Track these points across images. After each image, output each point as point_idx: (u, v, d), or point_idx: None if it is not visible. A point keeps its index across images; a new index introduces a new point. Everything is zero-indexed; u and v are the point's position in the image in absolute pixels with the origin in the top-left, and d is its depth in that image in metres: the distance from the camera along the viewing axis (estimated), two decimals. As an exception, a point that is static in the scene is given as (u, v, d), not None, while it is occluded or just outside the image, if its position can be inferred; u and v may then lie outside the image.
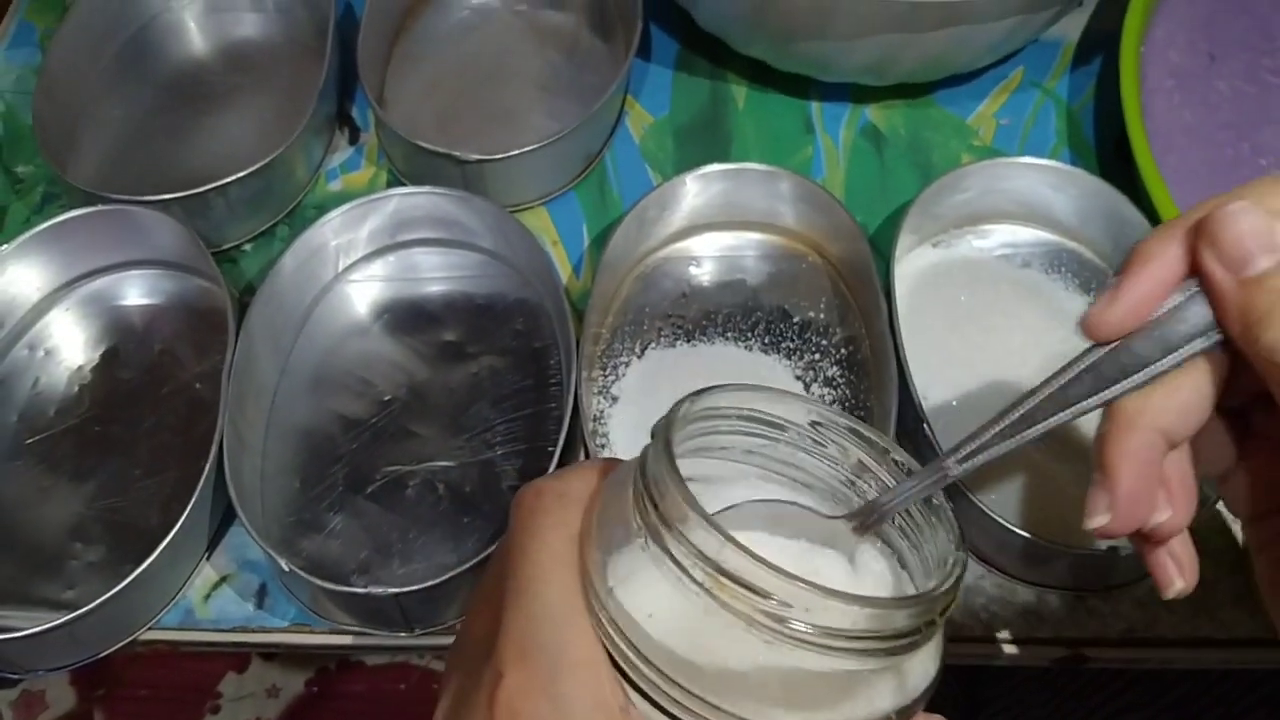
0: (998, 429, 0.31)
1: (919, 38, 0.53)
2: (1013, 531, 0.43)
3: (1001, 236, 0.55)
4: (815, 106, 0.60)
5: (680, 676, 0.26)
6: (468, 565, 0.42)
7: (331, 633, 0.46)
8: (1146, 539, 0.31)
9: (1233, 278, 0.28)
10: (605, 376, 0.51)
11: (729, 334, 0.52)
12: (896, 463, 0.32)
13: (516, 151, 0.53)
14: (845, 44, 0.54)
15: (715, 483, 0.32)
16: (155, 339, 0.52)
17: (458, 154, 0.53)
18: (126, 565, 0.44)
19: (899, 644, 0.27)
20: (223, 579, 0.47)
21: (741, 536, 0.27)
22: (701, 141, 0.59)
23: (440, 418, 0.50)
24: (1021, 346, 0.51)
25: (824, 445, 0.32)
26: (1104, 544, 0.43)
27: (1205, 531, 0.46)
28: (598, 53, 0.62)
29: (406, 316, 0.53)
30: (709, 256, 0.54)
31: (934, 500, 0.31)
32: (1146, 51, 0.56)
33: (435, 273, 0.54)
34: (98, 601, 0.42)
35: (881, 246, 0.53)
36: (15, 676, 0.46)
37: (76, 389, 0.51)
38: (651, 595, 0.27)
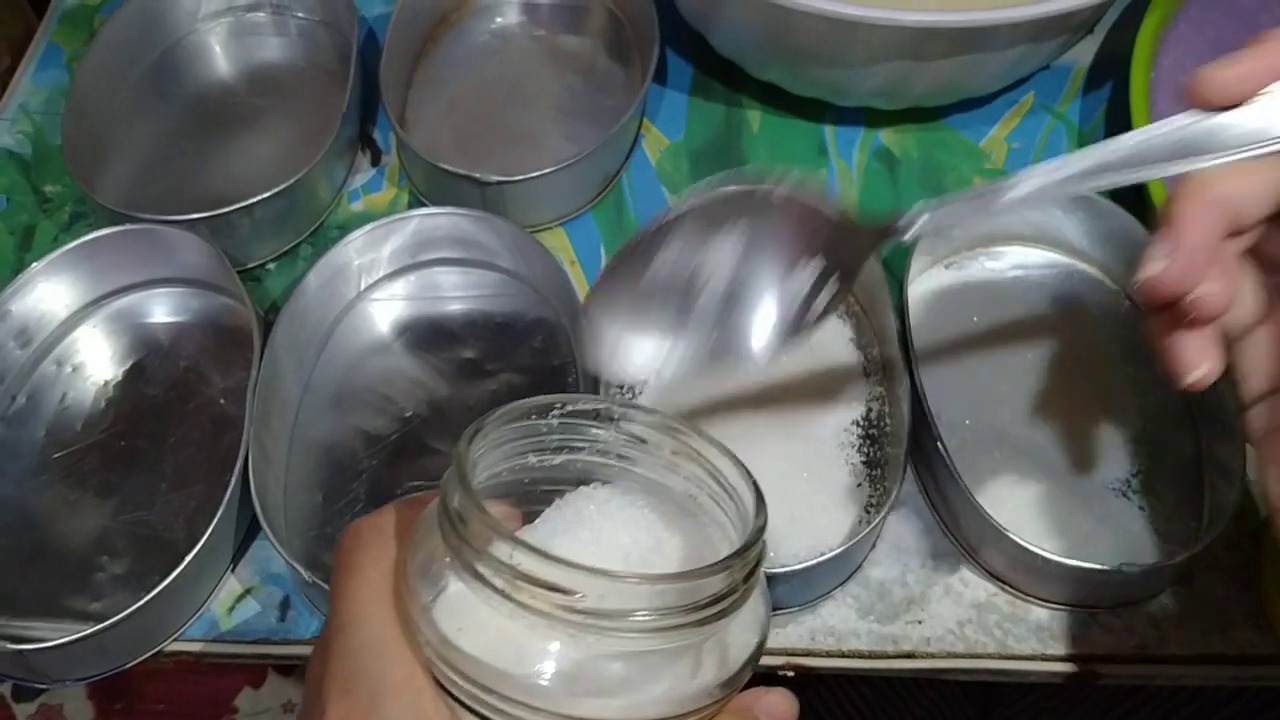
0: (1068, 167, 0.32)
1: (931, 63, 0.54)
2: (1026, 549, 0.44)
3: (1013, 258, 0.55)
4: (829, 130, 0.61)
5: (498, 685, 0.27)
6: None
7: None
8: (1183, 318, 0.31)
9: None
10: (622, 394, 0.51)
11: (744, 353, 0.52)
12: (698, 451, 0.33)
13: (536, 173, 0.54)
14: (859, 69, 0.55)
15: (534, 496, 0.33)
16: (180, 355, 0.53)
17: (478, 175, 0.54)
18: (152, 577, 0.45)
19: (701, 616, 0.28)
20: (246, 591, 0.48)
21: (566, 534, 0.30)
22: (717, 164, 0.60)
23: (460, 434, 0.51)
24: (1034, 366, 0.51)
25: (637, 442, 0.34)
26: (1119, 565, 0.43)
27: (1217, 549, 0.46)
28: (615, 77, 0.63)
29: (427, 334, 0.54)
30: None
31: (739, 467, 0.32)
32: (1156, 78, 0.57)
33: (455, 292, 0.55)
34: (126, 613, 0.43)
35: (894, 268, 0.53)
36: (42, 686, 0.47)
37: (103, 404, 0.52)
38: (461, 611, 0.28)
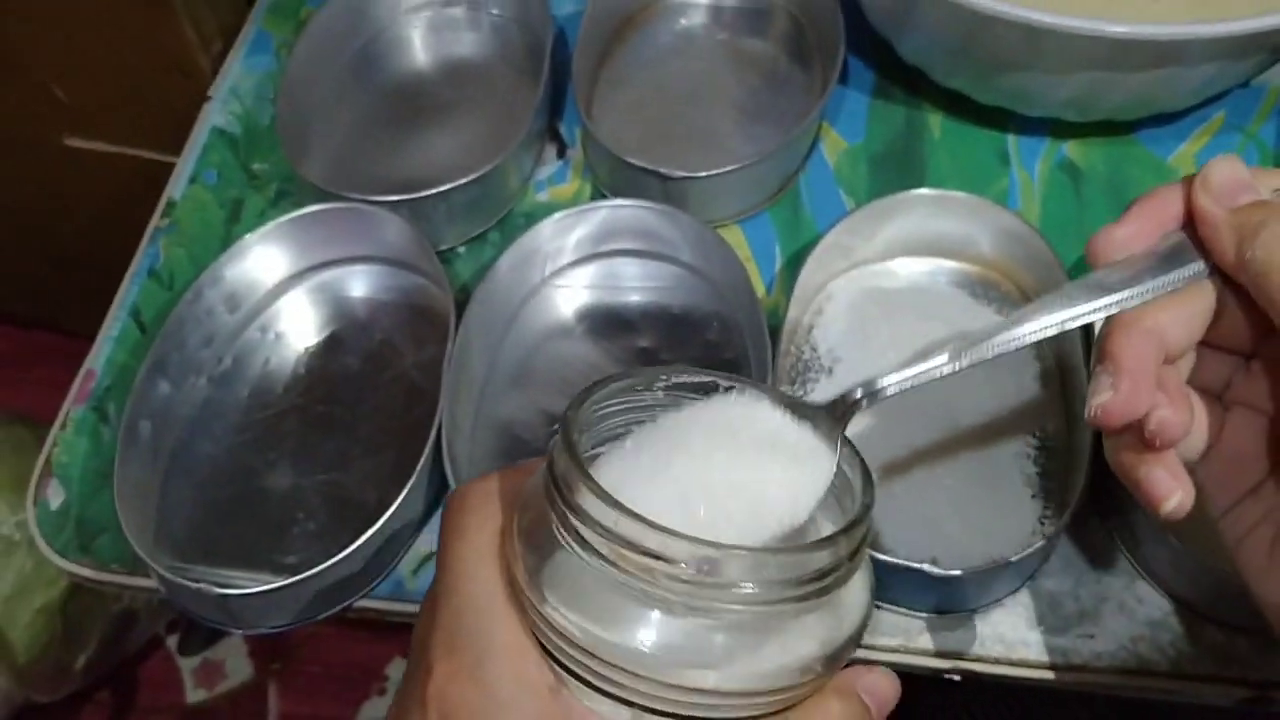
0: (1001, 327, 0.35)
1: (1126, 75, 0.53)
2: (1207, 568, 0.43)
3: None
4: (1012, 139, 0.61)
5: (600, 651, 0.28)
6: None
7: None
8: (1148, 447, 0.33)
9: (1224, 208, 0.33)
10: (795, 391, 0.52)
11: (920, 357, 0.53)
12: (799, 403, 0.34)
13: (718, 170, 0.56)
14: (1052, 79, 0.55)
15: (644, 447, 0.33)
16: (376, 329, 0.56)
17: (662, 170, 0.56)
18: (343, 536, 0.47)
19: (805, 591, 0.28)
20: (431, 555, 0.50)
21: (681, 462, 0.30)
22: (895, 169, 0.61)
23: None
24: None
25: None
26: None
27: None
28: (795, 80, 0.64)
29: (606, 322, 0.56)
30: (902, 283, 0.55)
31: (853, 447, 0.33)
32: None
33: (635, 282, 0.57)
34: (324, 565, 0.45)
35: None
36: (237, 631, 0.50)
37: (303, 370, 0.55)
38: (566, 576, 0.28)
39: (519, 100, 0.63)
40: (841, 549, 0.29)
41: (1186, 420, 0.33)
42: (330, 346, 0.56)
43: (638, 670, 0.28)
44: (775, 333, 0.51)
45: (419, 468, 0.47)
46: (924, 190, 0.54)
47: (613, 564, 0.27)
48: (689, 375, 0.34)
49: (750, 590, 0.27)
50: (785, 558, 0.28)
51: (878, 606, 0.47)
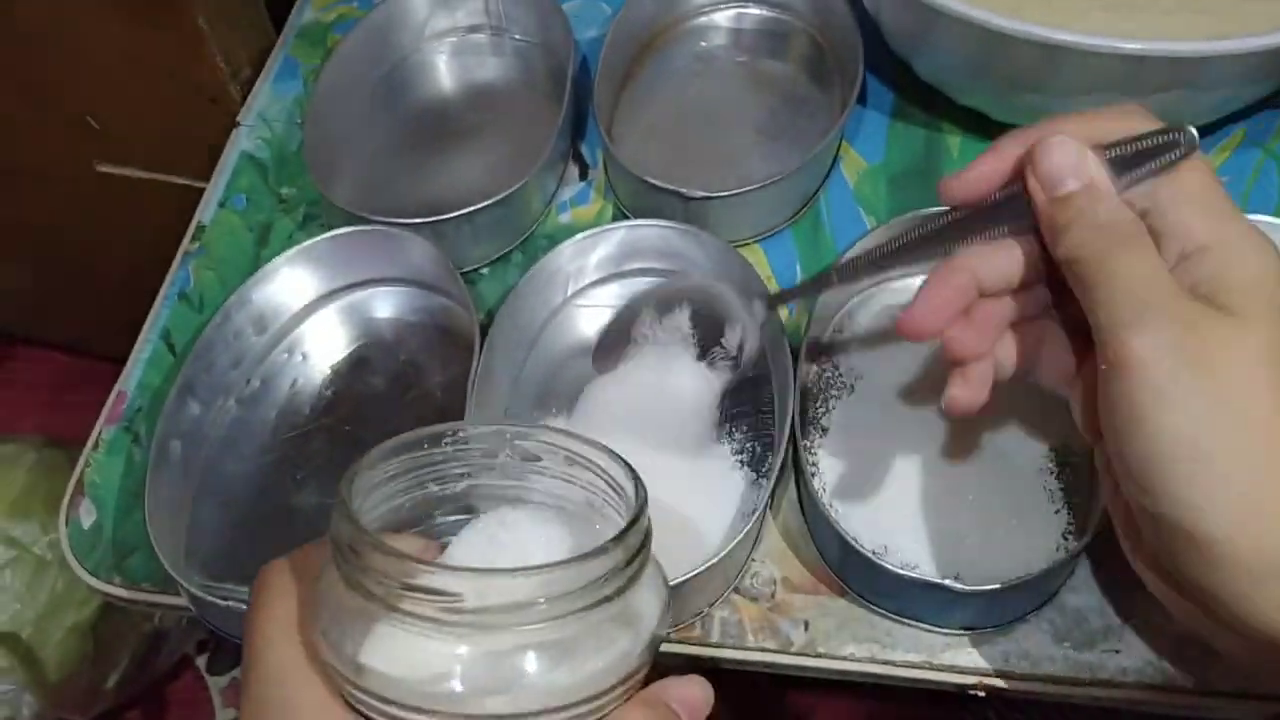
0: (868, 258, 0.42)
1: (1144, 92, 0.54)
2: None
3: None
4: (1030, 158, 0.61)
5: (402, 696, 0.29)
6: (701, 569, 0.44)
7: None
8: (951, 355, 0.39)
9: (1045, 195, 0.36)
10: (815, 409, 0.52)
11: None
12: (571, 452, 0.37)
13: (739, 190, 0.56)
14: (1070, 96, 0.55)
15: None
16: (401, 350, 0.57)
17: (683, 190, 0.56)
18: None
19: (598, 595, 0.29)
20: (455, 573, 0.51)
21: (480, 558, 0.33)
22: (915, 187, 0.61)
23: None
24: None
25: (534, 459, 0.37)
26: None
27: None
28: (815, 100, 0.64)
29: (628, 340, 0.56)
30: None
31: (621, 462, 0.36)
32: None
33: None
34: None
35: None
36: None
37: (329, 392, 0.56)
38: (361, 630, 0.30)
39: (541, 123, 0.64)
40: (619, 552, 0.30)
41: (974, 343, 0.39)
42: (356, 367, 0.57)
43: (439, 708, 0.29)
44: (797, 351, 0.51)
45: (444, 486, 0.48)
46: (942, 209, 0.54)
47: (395, 608, 0.29)
48: (475, 428, 0.36)
49: (538, 607, 0.29)
50: (567, 569, 0.29)
51: (902, 623, 0.47)
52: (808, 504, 0.50)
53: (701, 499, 0.50)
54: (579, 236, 0.55)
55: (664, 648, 0.48)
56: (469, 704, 0.29)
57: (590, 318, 0.57)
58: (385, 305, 0.58)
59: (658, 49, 0.68)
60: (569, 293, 0.57)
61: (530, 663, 0.29)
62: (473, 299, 0.54)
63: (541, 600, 0.29)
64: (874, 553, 0.45)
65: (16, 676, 0.73)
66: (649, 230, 0.56)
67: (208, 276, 0.60)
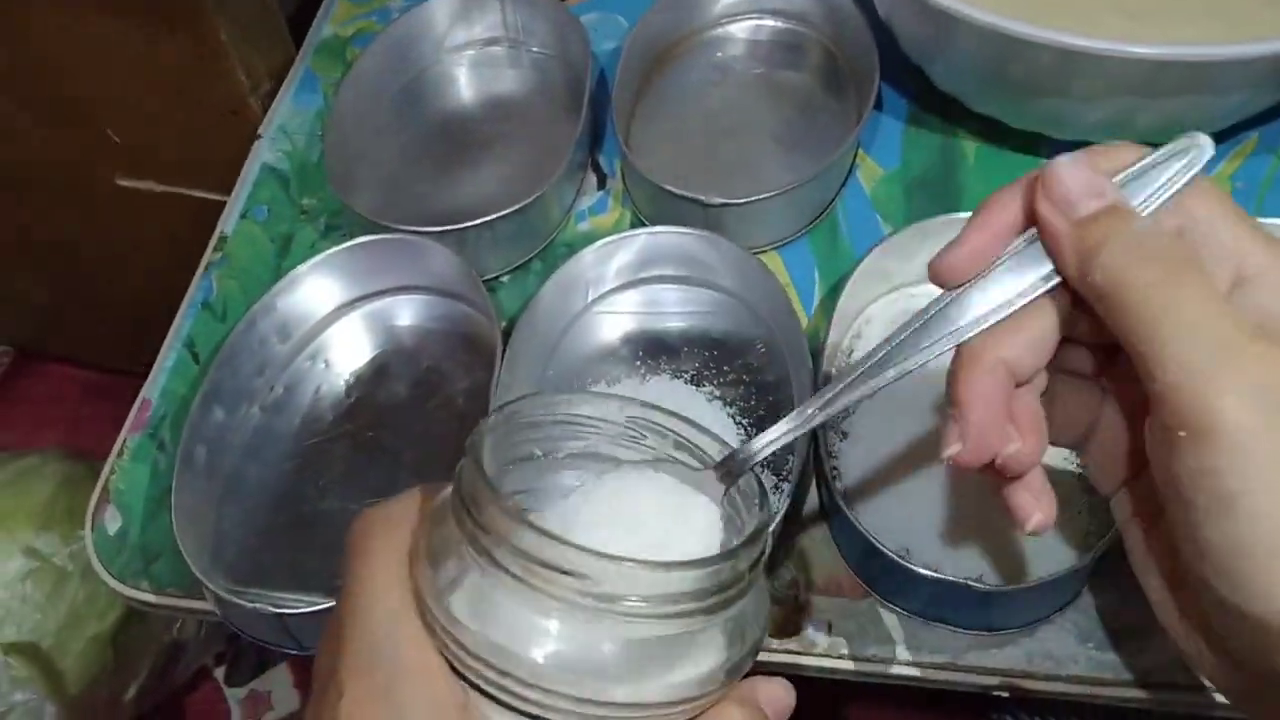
0: (856, 375, 0.35)
1: (1159, 98, 0.54)
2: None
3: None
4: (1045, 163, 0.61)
5: (510, 667, 0.28)
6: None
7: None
8: (1002, 475, 0.34)
9: (1066, 220, 0.31)
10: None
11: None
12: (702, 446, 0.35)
13: (757, 197, 0.57)
14: (1085, 102, 0.55)
15: (548, 481, 0.35)
16: (424, 357, 0.57)
17: (701, 198, 0.57)
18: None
19: (707, 604, 0.29)
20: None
21: (587, 514, 0.31)
22: (931, 194, 0.61)
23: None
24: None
25: (642, 435, 0.35)
26: None
27: None
28: (830, 109, 0.65)
29: (647, 346, 0.56)
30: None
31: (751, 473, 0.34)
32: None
33: (676, 307, 0.58)
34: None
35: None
36: (292, 651, 0.50)
37: (352, 398, 0.56)
38: (475, 594, 0.29)
39: (559, 133, 0.64)
40: (741, 562, 0.30)
41: (1035, 450, 0.33)
42: (378, 374, 0.57)
43: (545, 685, 0.28)
44: (816, 356, 0.52)
45: (468, 489, 0.48)
46: (961, 214, 0.54)
47: (522, 580, 0.28)
48: (591, 401, 0.35)
49: (653, 604, 0.28)
50: (687, 571, 0.29)
51: (927, 625, 0.47)
52: (829, 507, 0.50)
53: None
54: (599, 243, 0.56)
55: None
56: (574, 686, 0.28)
57: (611, 324, 0.57)
58: (407, 313, 0.59)
59: (675, 60, 0.68)
60: (589, 299, 0.58)
61: (640, 656, 0.29)
62: (494, 306, 0.54)
63: (666, 595, 0.28)
64: (897, 554, 0.46)
65: (37, 686, 0.73)
66: (669, 237, 0.56)
67: (230, 286, 0.61)
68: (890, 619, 0.48)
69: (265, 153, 0.66)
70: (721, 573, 0.29)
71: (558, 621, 0.29)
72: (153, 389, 0.58)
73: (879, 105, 0.65)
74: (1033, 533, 0.35)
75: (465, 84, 0.69)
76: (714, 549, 0.33)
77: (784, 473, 0.51)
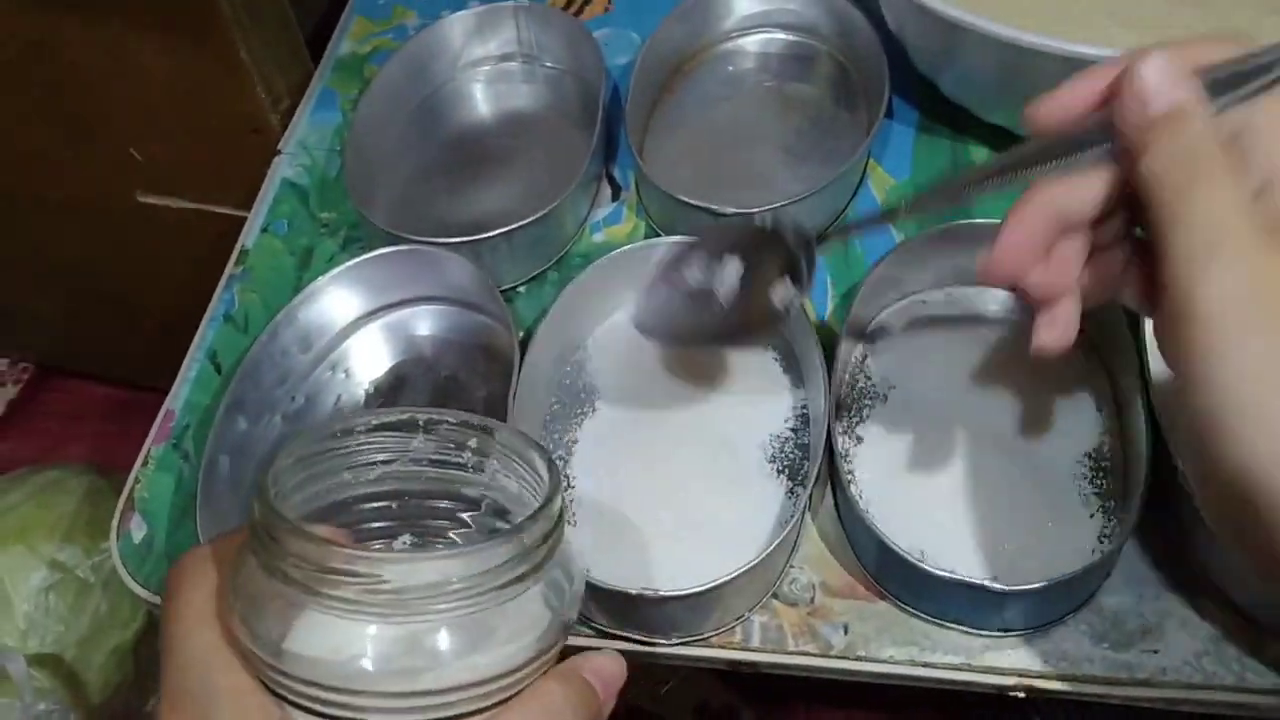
0: (943, 186, 0.40)
1: (1167, 106, 0.55)
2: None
3: None
4: (1056, 172, 0.62)
5: (319, 676, 0.30)
6: (739, 574, 0.45)
7: (596, 636, 0.50)
8: (1031, 299, 0.38)
9: (1138, 110, 0.34)
10: (850, 418, 0.53)
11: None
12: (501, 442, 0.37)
13: (770, 206, 0.57)
14: (1092, 111, 0.56)
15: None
16: (442, 366, 0.58)
17: (714, 207, 0.57)
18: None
19: (511, 576, 0.30)
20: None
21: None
22: (942, 203, 0.62)
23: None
24: None
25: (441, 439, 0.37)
26: None
27: None
28: (841, 121, 0.66)
29: (664, 357, 0.57)
30: (954, 310, 0.57)
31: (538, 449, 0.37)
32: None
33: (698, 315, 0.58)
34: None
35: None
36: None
37: (375, 407, 0.57)
38: (280, 614, 0.30)
39: (573, 146, 0.65)
40: (534, 533, 0.32)
41: (1054, 285, 0.37)
42: (398, 384, 0.58)
43: (356, 686, 0.30)
44: (830, 363, 0.52)
45: (488, 495, 0.49)
46: (970, 221, 0.55)
47: (312, 589, 0.29)
48: (389, 415, 0.37)
49: (453, 587, 0.30)
50: (482, 551, 0.30)
51: (942, 626, 0.48)
52: (845, 510, 0.51)
53: (740, 506, 0.51)
54: (619, 251, 0.56)
55: (704, 652, 0.49)
56: (386, 682, 0.30)
57: (629, 332, 0.58)
58: (425, 323, 0.59)
59: (687, 73, 0.69)
60: (608, 308, 0.58)
61: (446, 642, 0.30)
62: (511, 316, 0.55)
63: (456, 581, 0.30)
64: (913, 556, 0.46)
65: (60, 697, 0.74)
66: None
67: (251, 298, 0.62)
68: (906, 621, 0.49)
69: (285, 168, 0.68)
70: (513, 546, 0.31)
71: (359, 624, 0.30)
72: (176, 400, 0.58)
73: (889, 114, 0.66)
74: (1034, 352, 0.38)
75: (480, 99, 0.70)
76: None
77: (799, 476, 0.52)
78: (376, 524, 0.38)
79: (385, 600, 0.29)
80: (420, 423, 0.37)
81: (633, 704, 1.04)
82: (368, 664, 0.30)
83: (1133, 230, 0.38)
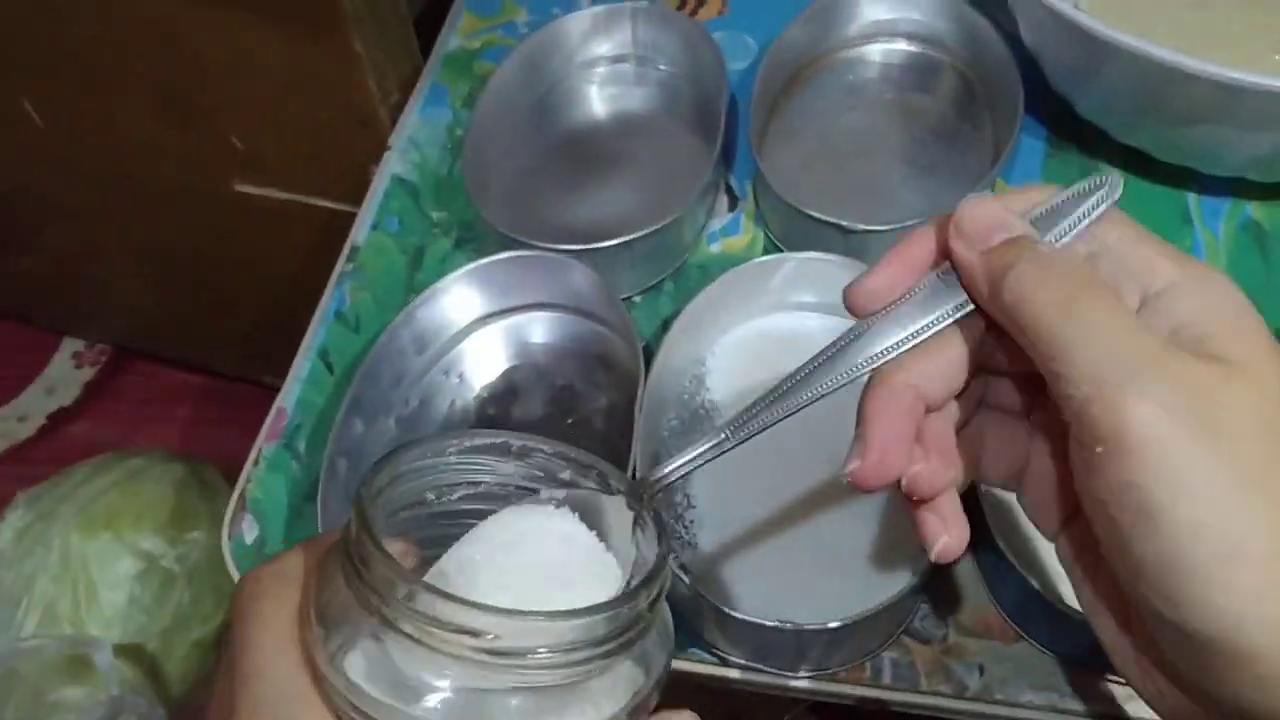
0: (772, 398, 0.35)
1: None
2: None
3: None
4: (1193, 199, 0.60)
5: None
6: (871, 610, 0.44)
7: (720, 665, 0.48)
8: (910, 499, 0.34)
9: (976, 251, 0.32)
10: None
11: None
12: (602, 474, 0.35)
13: (900, 225, 0.56)
14: (1240, 136, 0.54)
15: (441, 527, 0.34)
16: (557, 375, 0.56)
17: (844, 223, 0.56)
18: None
19: (612, 646, 0.28)
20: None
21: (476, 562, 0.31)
22: (1073, 226, 0.60)
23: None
24: None
25: (539, 472, 0.35)
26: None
27: None
28: (965, 135, 0.64)
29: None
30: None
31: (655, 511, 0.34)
32: None
33: (820, 335, 0.57)
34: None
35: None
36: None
37: (488, 414, 0.56)
38: (368, 655, 0.28)
39: (689, 152, 0.64)
40: (640, 602, 0.30)
41: (940, 474, 0.33)
42: (511, 390, 0.57)
43: None
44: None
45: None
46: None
47: (418, 641, 0.27)
48: (481, 438, 0.35)
49: (552, 655, 0.28)
50: (586, 619, 0.29)
51: (1082, 669, 0.46)
52: (982, 547, 0.49)
53: (870, 538, 0.50)
54: (744, 266, 0.55)
55: (834, 687, 0.47)
56: None
57: (751, 351, 0.56)
58: (540, 329, 0.58)
59: (805, 80, 0.68)
60: (729, 322, 0.57)
61: (543, 704, 0.29)
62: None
63: (554, 644, 0.28)
64: (1052, 597, 0.44)
65: (141, 688, 0.73)
66: (814, 264, 0.55)
67: (363, 297, 0.61)
68: (1044, 663, 0.47)
69: (395, 164, 0.66)
70: (620, 616, 0.29)
71: (453, 678, 0.28)
72: (288, 398, 0.57)
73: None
74: (939, 559, 0.34)
75: (594, 100, 0.68)
76: (614, 587, 0.33)
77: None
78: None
79: (491, 659, 0.27)
80: (513, 449, 0.35)
81: None
82: (453, 718, 0.28)
83: (984, 399, 0.36)
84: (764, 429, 0.35)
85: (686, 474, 0.36)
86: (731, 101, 0.66)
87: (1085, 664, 0.46)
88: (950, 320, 0.33)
